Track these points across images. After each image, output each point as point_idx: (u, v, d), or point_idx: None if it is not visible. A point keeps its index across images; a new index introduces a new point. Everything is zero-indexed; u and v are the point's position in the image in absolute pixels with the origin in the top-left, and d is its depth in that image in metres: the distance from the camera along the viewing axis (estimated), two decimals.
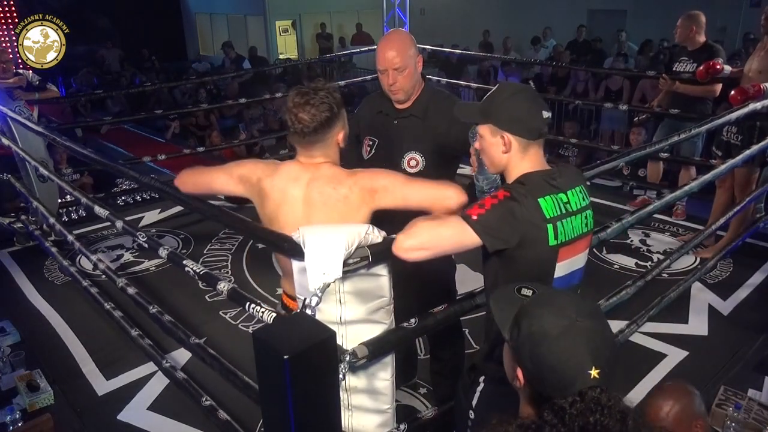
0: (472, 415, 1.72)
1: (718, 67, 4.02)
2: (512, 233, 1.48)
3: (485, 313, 1.76)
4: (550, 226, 1.52)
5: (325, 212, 1.70)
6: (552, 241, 1.53)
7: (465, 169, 2.50)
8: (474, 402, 1.69)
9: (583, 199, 1.61)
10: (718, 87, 4.22)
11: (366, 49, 7.81)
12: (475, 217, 1.48)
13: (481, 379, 1.68)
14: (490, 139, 1.60)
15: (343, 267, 1.48)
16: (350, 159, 2.29)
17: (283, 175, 1.75)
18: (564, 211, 1.55)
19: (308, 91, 1.68)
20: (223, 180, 1.81)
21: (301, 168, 1.75)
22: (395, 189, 1.69)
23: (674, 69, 4.50)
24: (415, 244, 1.51)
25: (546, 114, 1.59)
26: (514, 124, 1.55)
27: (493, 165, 1.65)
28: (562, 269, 1.59)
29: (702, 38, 4.35)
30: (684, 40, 4.41)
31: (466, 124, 2.17)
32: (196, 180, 1.86)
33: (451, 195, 1.67)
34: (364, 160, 2.33)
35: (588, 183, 1.74)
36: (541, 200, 1.52)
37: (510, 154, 1.58)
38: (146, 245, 2.43)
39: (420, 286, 2.38)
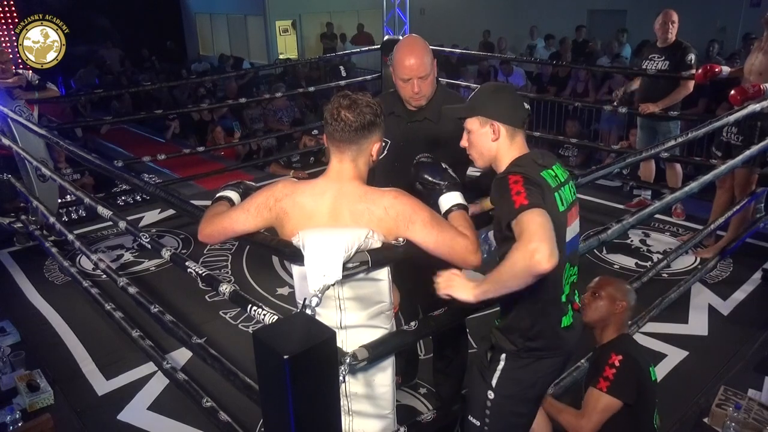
0: (491, 395, 1.80)
1: (716, 69, 4.04)
2: (542, 201, 1.60)
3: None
4: (557, 194, 1.68)
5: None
6: (561, 207, 1.69)
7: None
8: (494, 381, 1.79)
9: (564, 172, 1.77)
10: (692, 83, 4.35)
11: (366, 49, 7.82)
12: (526, 203, 1.56)
13: (502, 356, 1.78)
14: (479, 131, 1.73)
15: (343, 270, 1.48)
16: None
17: (306, 191, 1.68)
18: (558, 183, 1.71)
19: (352, 95, 1.68)
20: (242, 219, 1.72)
21: (327, 182, 1.69)
22: (433, 229, 1.62)
23: (644, 66, 4.59)
24: (549, 247, 1.47)
25: (527, 106, 1.76)
26: (501, 114, 1.71)
27: (482, 157, 1.77)
28: (569, 233, 1.73)
29: (673, 36, 4.45)
30: (664, 36, 4.48)
31: None
32: (220, 229, 1.77)
33: (470, 261, 1.66)
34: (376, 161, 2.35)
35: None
36: (542, 173, 1.67)
37: (499, 141, 1.72)
38: (149, 246, 2.43)
39: (426, 285, 2.38)
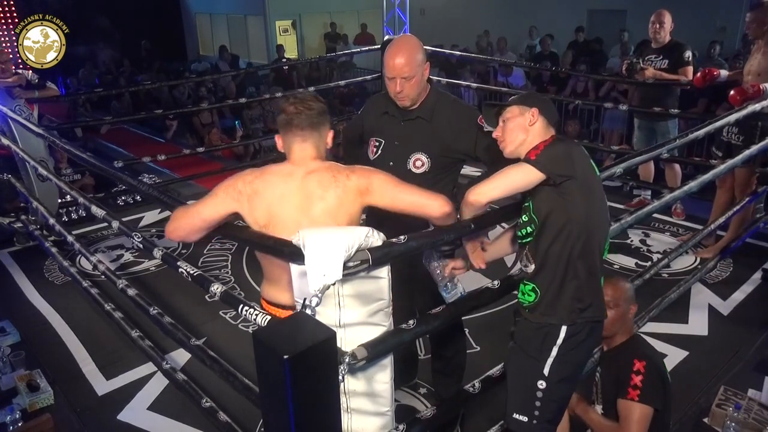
0: (542, 384, 1.83)
1: (715, 73, 4.05)
2: (569, 163, 1.72)
3: (543, 275, 1.83)
4: (591, 160, 1.83)
5: (324, 202, 1.71)
6: (596, 172, 1.85)
7: (464, 170, 2.50)
8: (546, 369, 1.82)
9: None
10: (690, 73, 4.36)
11: (366, 49, 7.82)
12: (533, 158, 1.72)
13: (559, 340, 1.80)
14: (516, 118, 1.83)
15: (343, 269, 1.48)
16: (356, 159, 2.30)
17: (275, 173, 1.76)
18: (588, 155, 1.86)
19: (298, 94, 1.82)
20: (211, 206, 1.73)
21: (294, 166, 1.77)
22: (386, 189, 1.73)
23: (643, 66, 4.62)
24: (490, 186, 1.73)
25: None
26: (540, 106, 1.83)
27: (514, 142, 1.83)
28: (605, 199, 1.86)
29: (666, 35, 4.52)
30: (655, 36, 4.53)
31: (471, 132, 2.21)
32: (186, 221, 1.75)
33: (436, 204, 1.73)
34: (370, 161, 2.35)
35: None
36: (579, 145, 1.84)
37: (534, 126, 1.81)
38: (141, 246, 2.42)
39: (419, 286, 2.39)
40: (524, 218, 1.85)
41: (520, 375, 1.91)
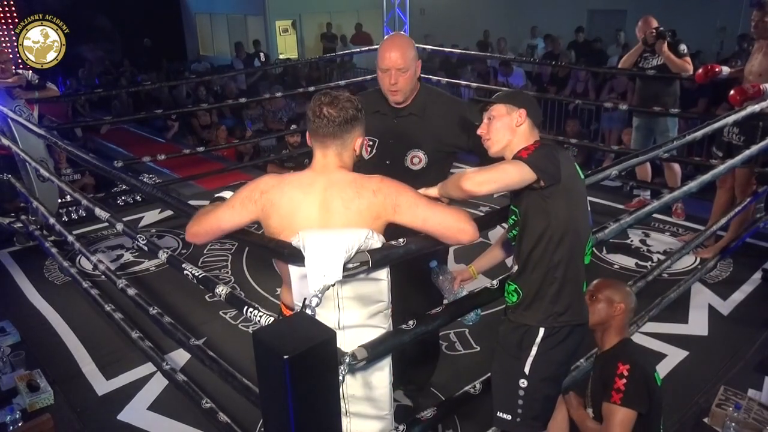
0: (524, 383, 1.85)
1: (717, 69, 4.05)
2: (556, 167, 1.72)
3: (522, 271, 1.85)
4: (575, 163, 1.84)
5: (345, 217, 1.63)
6: (581, 175, 1.86)
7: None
8: (527, 368, 1.84)
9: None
10: (690, 67, 4.42)
11: (366, 48, 7.83)
12: (525, 157, 1.71)
13: (539, 333, 1.82)
14: (504, 116, 1.81)
15: (343, 271, 1.48)
16: None
17: (294, 183, 1.69)
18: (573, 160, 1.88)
19: (332, 92, 1.72)
20: (228, 215, 1.71)
21: (314, 174, 1.70)
22: (418, 208, 1.65)
23: (640, 65, 4.71)
24: (487, 178, 1.67)
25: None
26: (530, 108, 1.83)
27: (499, 142, 1.82)
28: (587, 205, 1.88)
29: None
30: (647, 37, 4.60)
31: (463, 123, 2.23)
32: (206, 228, 1.75)
33: (467, 230, 1.64)
34: (364, 161, 2.35)
35: None
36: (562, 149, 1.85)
37: (520, 129, 1.80)
38: (145, 248, 2.43)
39: (416, 288, 2.38)
40: (511, 221, 1.87)
41: (502, 374, 1.94)
